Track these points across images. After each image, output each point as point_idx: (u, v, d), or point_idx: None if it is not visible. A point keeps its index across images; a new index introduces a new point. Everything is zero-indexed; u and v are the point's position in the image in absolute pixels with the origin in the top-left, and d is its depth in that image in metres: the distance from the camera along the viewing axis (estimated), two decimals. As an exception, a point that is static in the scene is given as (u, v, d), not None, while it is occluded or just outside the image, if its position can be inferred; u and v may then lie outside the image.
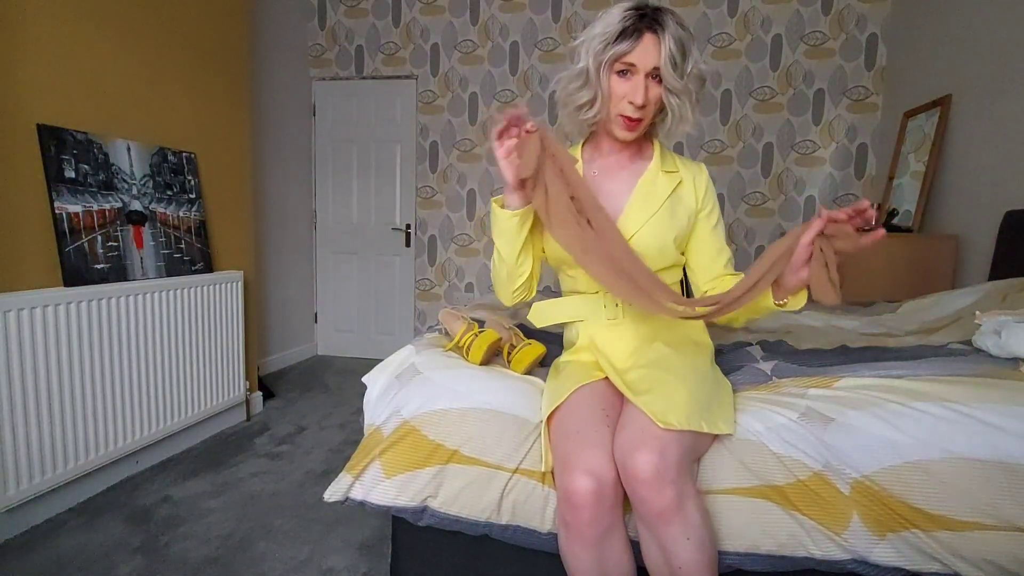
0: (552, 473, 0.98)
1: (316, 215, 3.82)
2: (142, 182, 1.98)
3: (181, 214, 2.14)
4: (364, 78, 3.68)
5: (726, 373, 1.18)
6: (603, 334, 1.12)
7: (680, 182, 1.14)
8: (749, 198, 3.27)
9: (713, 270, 1.15)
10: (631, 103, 1.02)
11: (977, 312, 1.40)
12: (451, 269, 3.70)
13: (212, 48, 2.34)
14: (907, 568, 0.90)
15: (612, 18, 1.01)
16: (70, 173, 1.71)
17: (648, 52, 0.99)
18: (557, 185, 0.99)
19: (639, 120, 1.05)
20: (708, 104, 3.24)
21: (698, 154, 3.30)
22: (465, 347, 1.21)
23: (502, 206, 1.06)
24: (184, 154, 2.18)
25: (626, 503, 0.89)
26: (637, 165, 1.15)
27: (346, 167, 3.75)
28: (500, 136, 0.97)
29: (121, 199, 1.89)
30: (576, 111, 1.10)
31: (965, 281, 2.32)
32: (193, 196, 2.21)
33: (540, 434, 1.01)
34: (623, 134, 1.07)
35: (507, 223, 1.04)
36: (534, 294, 1.20)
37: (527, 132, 0.97)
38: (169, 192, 2.09)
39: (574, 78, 1.08)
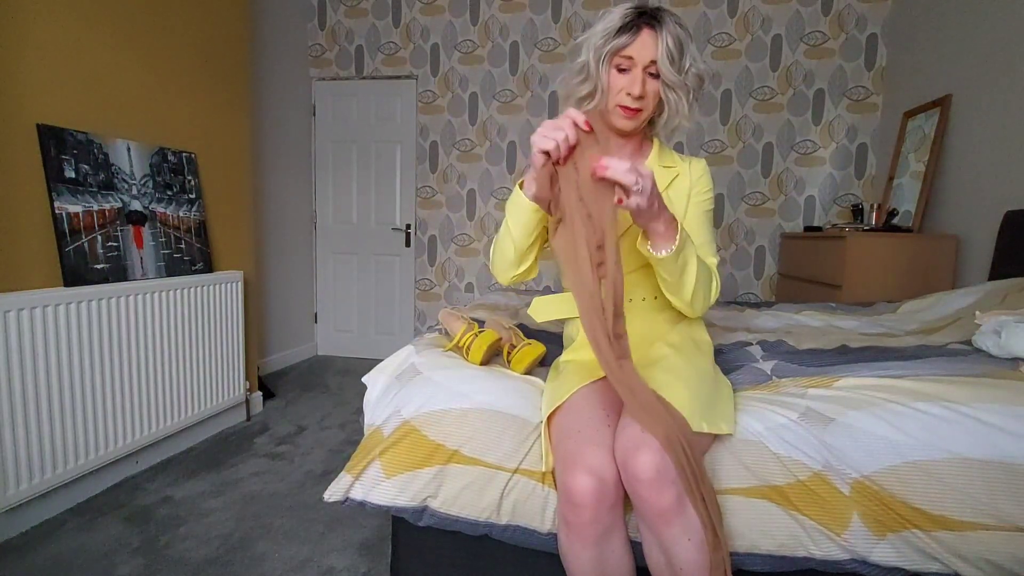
0: (552, 473, 0.98)
1: (316, 215, 3.82)
2: (142, 182, 1.98)
3: (181, 214, 2.14)
4: (364, 78, 3.68)
5: (726, 372, 1.18)
6: None
7: (677, 175, 1.16)
8: (749, 198, 3.27)
9: None
10: (629, 94, 1.05)
11: (977, 312, 1.41)
12: (451, 269, 3.70)
13: (212, 48, 2.34)
14: (907, 568, 0.90)
15: (613, 16, 1.06)
16: (70, 173, 1.71)
17: (646, 46, 1.03)
18: (581, 225, 0.89)
19: (637, 110, 1.07)
20: (708, 104, 3.24)
21: (698, 154, 3.29)
22: (465, 347, 1.21)
23: (522, 187, 1.01)
24: (184, 154, 2.18)
25: (627, 502, 0.89)
26: (637, 163, 1.16)
27: (346, 167, 3.75)
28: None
29: (121, 199, 1.88)
30: (577, 104, 1.13)
31: (965, 281, 2.32)
32: (193, 196, 2.21)
33: (540, 434, 1.01)
34: (623, 123, 1.09)
35: (528, 215, 1.02)
36: (534, 275, 1.19)
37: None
38: (169, 192, 2.09)
39: (575, 73, 1.11)
